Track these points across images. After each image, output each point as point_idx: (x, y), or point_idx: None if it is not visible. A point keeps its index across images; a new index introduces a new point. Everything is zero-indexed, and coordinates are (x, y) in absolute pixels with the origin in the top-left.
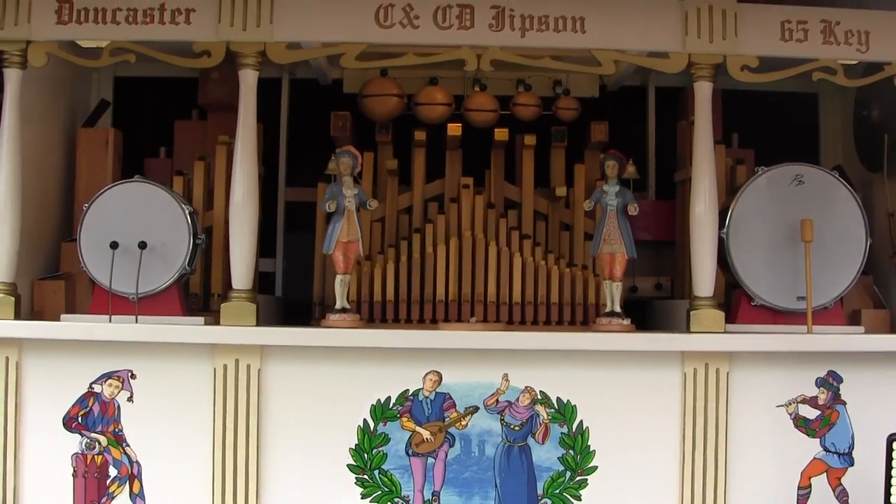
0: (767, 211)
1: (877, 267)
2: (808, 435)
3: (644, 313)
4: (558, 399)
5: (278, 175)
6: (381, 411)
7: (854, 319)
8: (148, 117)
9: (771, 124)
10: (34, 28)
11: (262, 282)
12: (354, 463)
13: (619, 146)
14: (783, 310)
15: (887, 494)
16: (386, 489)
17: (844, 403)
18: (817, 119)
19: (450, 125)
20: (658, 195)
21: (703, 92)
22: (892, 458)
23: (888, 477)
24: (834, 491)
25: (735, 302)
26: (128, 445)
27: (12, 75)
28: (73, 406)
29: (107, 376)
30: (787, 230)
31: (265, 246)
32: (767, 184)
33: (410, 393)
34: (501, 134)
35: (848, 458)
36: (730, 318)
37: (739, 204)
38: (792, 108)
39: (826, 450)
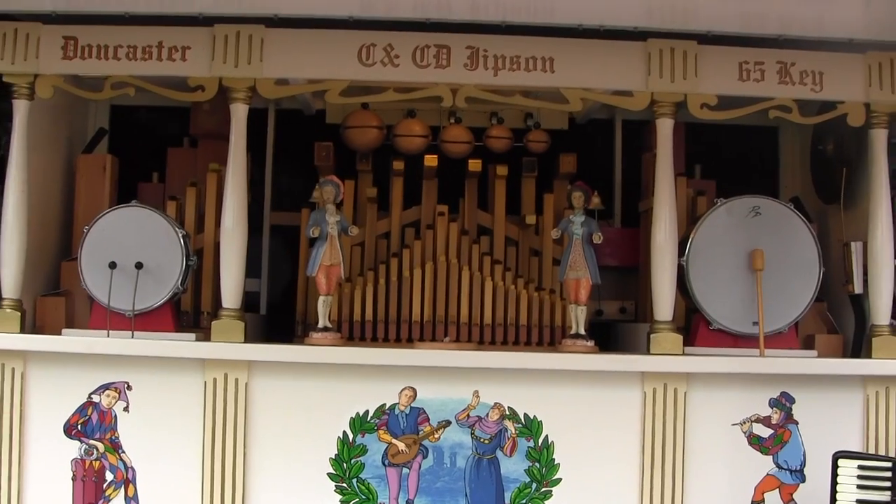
0: (726, 240)
1: (831, 294)
2: (762, 452)
3: (609, 335)
4: (525, 415)
5: (264, 199)
6: (360, 424)
7: (808, 344)
8: (141, 144)
9: (733, 156)
10: (42, 63)
11: (247, 300)
12: (334, 472)
13: (587, 176)
14: (739, 334)
15: None
16: (363, 497)
17: (797, 423)
18: (777, 151)
19: (426, 157)
20: (624, 223)
21: (665, 128)
22: (836, 475)
23: (833, 493)
24: None
25: (694, 326)
26: (123, 452)
27: (21, 106)
28: (73, 414)
29: (105, 387)
30: (744, 259)
31: (250, 266)
32: (726, 214)
33: (387, 407)
34: (475, 165)
35: (800, 474)
36: (689, 341)
37: (699, 233)
38: (753, 140)
39: (779, 466)
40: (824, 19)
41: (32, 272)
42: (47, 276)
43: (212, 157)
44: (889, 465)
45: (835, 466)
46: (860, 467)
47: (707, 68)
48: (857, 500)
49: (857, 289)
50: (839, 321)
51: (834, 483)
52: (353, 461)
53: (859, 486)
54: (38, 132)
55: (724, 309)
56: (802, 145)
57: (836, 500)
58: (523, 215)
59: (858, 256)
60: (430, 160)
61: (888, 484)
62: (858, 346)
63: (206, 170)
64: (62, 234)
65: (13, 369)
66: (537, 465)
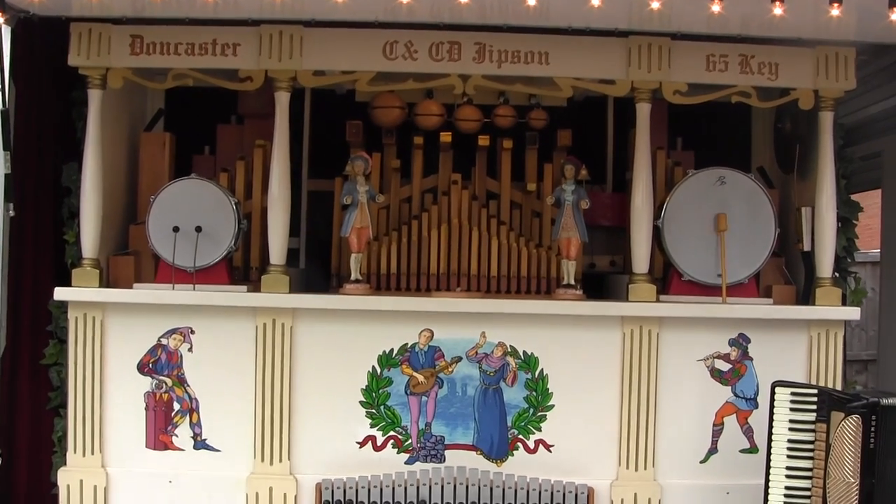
0: (696, 205)
1: (788, 251)
2: (722, 383)
3: (601, 285)
4: (524, 352)
5: (301, 168)
6: (386, 360)
7: (767, 293)
8: (193, 121)
9: (711, 130)
10: (112, 58)
11: (288, 256)
12: (365, 400)
13: (583, 147)
14: (706, 284)
15: (770, 427)
16: (389, 420)
17: (751, 359)
18: (749, 127)
19: (442, 134)
20: (615, 189)
21: (643, 111)
22: (774, 401)
23: (771, 414)
24: (742, 428)
25: (669, 277)
26: (188, 386)
27: (94, 95)
28: (145, 355)
29: (172, 332)
30: (711, 221)
31: (290, 226)
32: (696, 183)
33: (409, 346)
34: (484, 140)
35: (753, 402)
36: (665, 290)
37: (673, 199)
38: (729, 116)
39: (736, 395)
40: (778, 21)
41: (104, 235)
42: (116, 239)
43: (257, 133)
44: (815, 391)
45: (772, 394)
46: (792, 394)
47: (678, 60)
48: (790, 420)
49: (807, 247)
50: (794, 274)
51: (772, 407)
52: (380, 391)
53: (791, 409)
54: (106, 115)
55: (693, 263)
56: (771, 121)
57: (773, 420)
58: (526, 183)
59: (808, 219)
60: (445, 136)
61: (814, 407)
62: (807, 295)
63: (251, 144)
64: (128, 201)
65: (94, 318)
66: (534, 393)
